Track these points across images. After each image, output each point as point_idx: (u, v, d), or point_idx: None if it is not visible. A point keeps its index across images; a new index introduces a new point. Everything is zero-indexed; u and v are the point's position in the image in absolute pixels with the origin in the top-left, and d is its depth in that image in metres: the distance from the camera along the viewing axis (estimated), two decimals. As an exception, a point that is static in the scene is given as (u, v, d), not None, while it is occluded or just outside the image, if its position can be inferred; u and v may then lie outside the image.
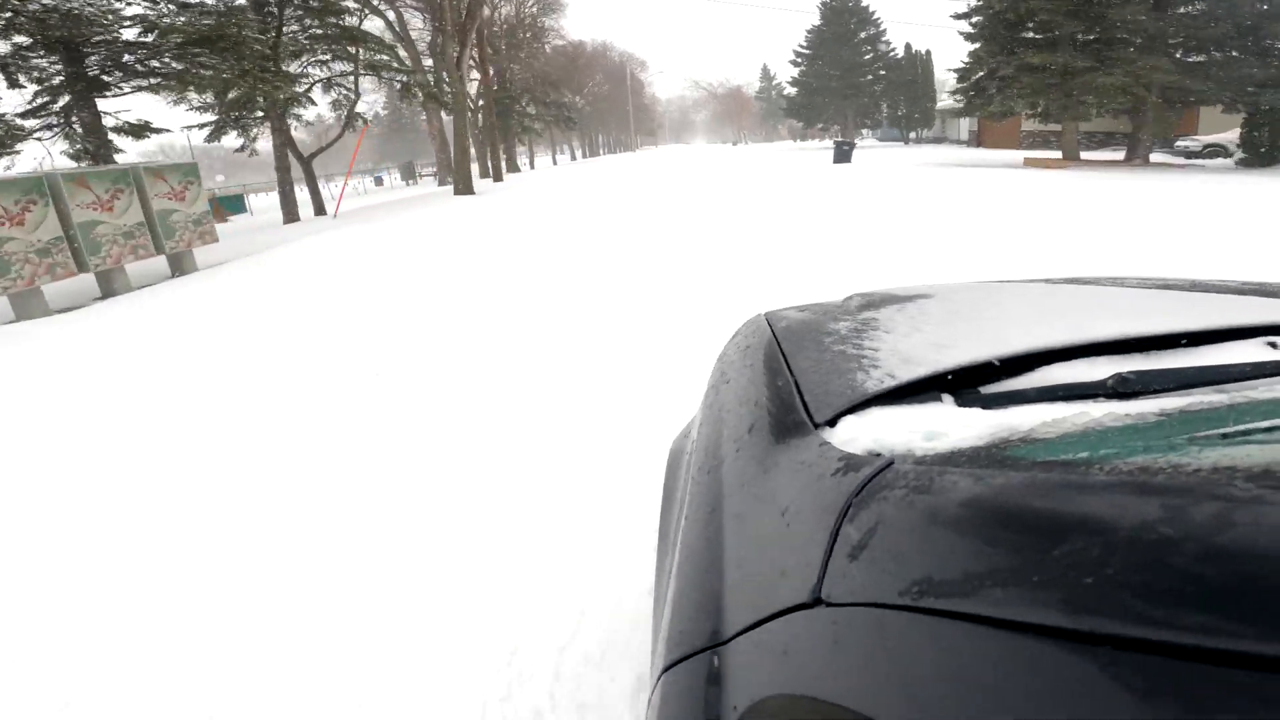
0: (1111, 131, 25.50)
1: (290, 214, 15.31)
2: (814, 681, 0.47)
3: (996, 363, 0.79)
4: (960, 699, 0.38)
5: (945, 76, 29.01)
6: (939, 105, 40.94)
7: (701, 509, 0.79)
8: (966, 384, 0.79)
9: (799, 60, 42.27)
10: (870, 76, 41.15)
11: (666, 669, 0.59)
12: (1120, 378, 0.72)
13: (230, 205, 24.13)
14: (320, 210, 17.10)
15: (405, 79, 16.03)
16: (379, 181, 39.69)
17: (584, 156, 64.10)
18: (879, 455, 0.64)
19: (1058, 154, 20.76)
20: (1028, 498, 0.48)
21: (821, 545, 0.55)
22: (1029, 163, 18.30)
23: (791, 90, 43.47)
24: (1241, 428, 0.55)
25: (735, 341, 1.23)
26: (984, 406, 0.71)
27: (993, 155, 24.33)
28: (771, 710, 0.47)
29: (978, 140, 34.43)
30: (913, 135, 42.53)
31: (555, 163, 48.21)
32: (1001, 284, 1.33)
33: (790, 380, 0.91)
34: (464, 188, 19.80)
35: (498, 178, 24.96)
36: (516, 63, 35.44)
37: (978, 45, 18.87)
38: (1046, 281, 1.31)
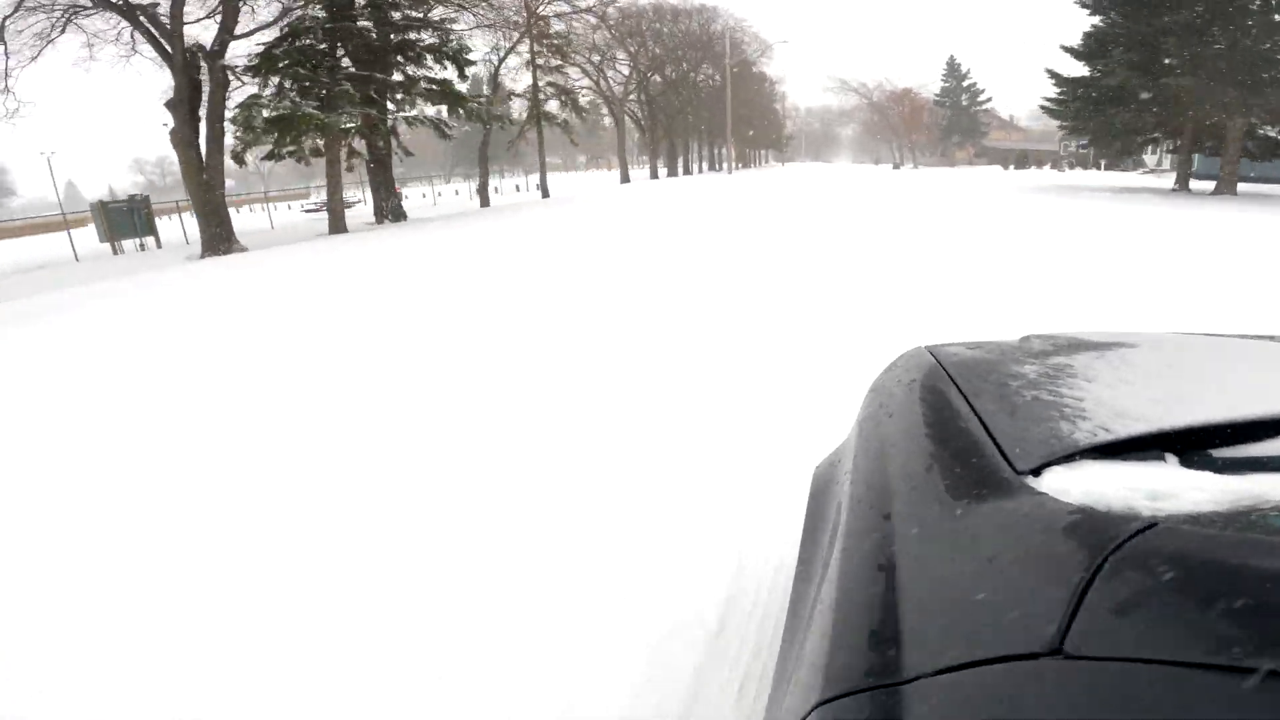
0: None
1: None
2: None
3: (1233, 426, 0.75)
4: None
5: None
6: None
7: (867, 543, 0.77)
8: (1191, 445, 0.74)
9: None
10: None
11: (824, 703, 0.58)
12: None
13: None
14: None
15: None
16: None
17: (666, 175, 42.13)
18: (1135, 512, 0.62)
19: None
20: None
21: (1061, 597, 0.53)
22: None
23: (1075, 70, 18.80)
24: None
25: (894, 374, 1.20)
26: (1216, 470, 0.68)
27: None
28: None
29: None
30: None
31: (545, 194, 25.56)
32: (1218, 338, 1.28)
33: (978, 422, 0.87)
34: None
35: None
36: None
37: None
38: (1271, 338, 1.23)
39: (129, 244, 18.11)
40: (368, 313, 6.37)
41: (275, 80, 14.15)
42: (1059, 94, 19.74)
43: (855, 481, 0.93)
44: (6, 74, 15.13)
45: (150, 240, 18.39)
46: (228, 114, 13.51)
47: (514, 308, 6.01)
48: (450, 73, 16.71)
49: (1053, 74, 19.47)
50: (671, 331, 4.83)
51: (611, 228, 12.78)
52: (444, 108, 16.77)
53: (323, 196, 29.55)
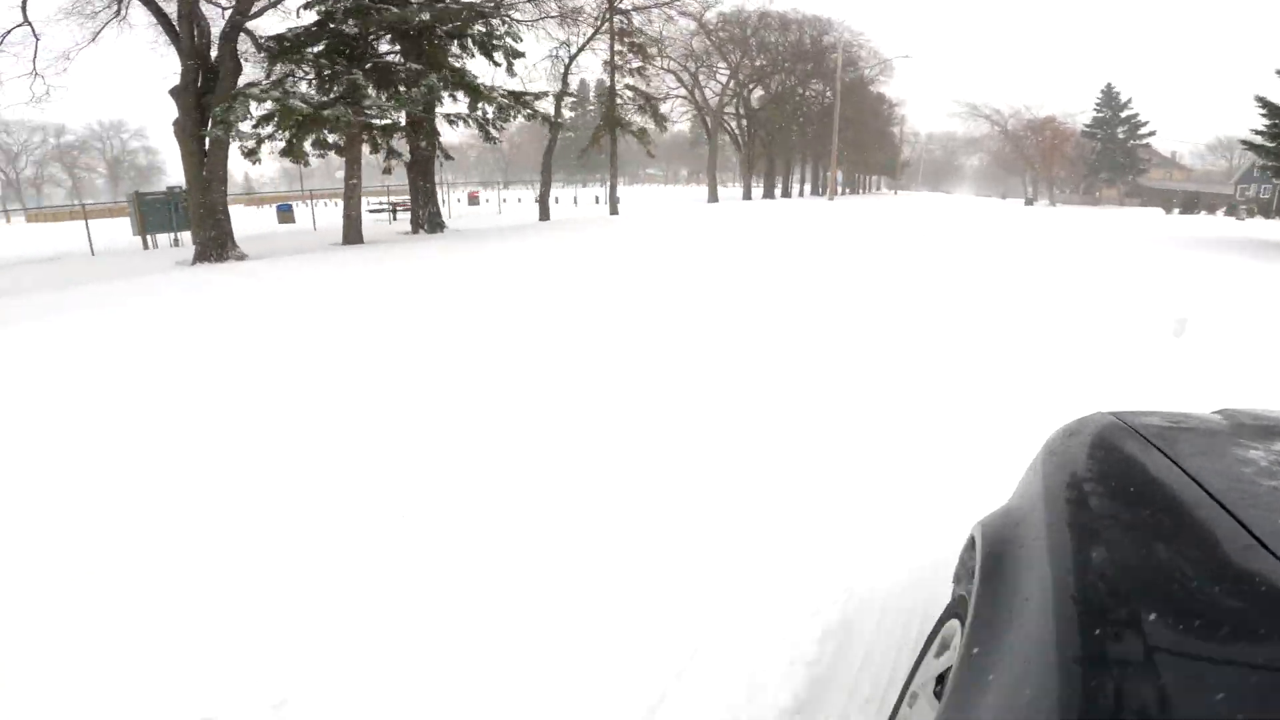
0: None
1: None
2: None
3: None
4: None
5: None
6: None
7: (1090, 616, 0.79)
8: None
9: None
10: None
11: None
12: None
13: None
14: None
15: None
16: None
17: (760, 196, 39.02)
18: None
19: None
20: None
21: None
22: None
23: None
24: None
25: (1081, 440, 1.17)
26: None
27: None
28: None
29: None
30: None
31: (614, 211, 22.54)
32: None
33: (1223, 510, 0.87)
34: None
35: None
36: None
37: None
38: None
39: (164, 238, 17.27)
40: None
41: (278, 69, 12.52)
42: (1268, 126, 15.16)
43: (1056, 550, 0.93)
44: (36, 57, 14.47)
45: (187, 235, 17.49)
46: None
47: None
48: (478, 63, 14.72)
49: (1264, 102, 14.92)
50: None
51: (658, 267, 10.05)
52: (488, 106, 14.73)
53: (394, 197, 28.68)
